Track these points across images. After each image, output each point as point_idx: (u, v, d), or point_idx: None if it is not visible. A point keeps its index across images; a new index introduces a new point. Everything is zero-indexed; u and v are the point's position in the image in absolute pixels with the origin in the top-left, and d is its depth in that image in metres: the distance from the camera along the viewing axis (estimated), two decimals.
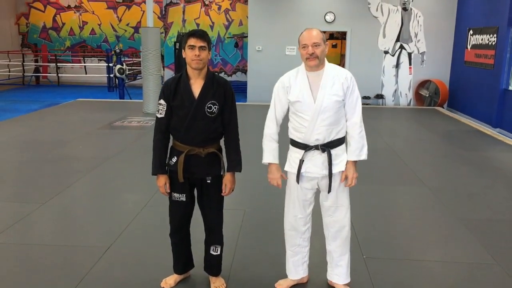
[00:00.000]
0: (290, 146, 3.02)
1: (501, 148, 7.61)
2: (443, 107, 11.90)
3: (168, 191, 2.98)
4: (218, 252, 3.12)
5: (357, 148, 2.92)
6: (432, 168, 6.36)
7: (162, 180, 2.95)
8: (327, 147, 2.89)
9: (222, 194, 2.99)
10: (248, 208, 4.66)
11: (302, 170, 2.94)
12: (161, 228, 3.78)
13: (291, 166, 3.01)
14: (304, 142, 2.91)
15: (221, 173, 3.00)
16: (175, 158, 2.90)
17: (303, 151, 2.92)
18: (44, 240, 3.96)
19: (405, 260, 3.67)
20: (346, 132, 2.97)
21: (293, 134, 2.97)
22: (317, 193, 3.07)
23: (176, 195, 2.97)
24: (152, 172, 2.97)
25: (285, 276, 3.26)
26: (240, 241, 3.93)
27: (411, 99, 12.37)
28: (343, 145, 2.97)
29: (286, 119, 3.06)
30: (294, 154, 2.98)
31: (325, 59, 2.91)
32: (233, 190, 3.01)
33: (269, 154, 3.00)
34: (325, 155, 2.90)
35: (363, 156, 2.95)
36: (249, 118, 9.30)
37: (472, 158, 6.85)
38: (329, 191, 2.96)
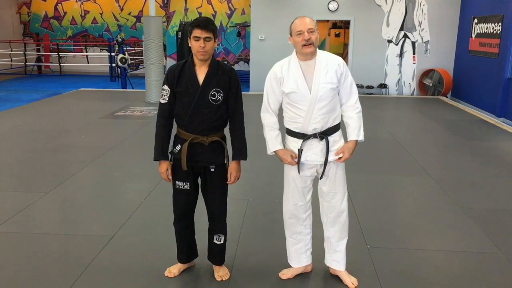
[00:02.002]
0: (287, 136, 3.00)
1: (505, 137, 7.57)
2: (446, 97, 11.83)
3: (170, 177, 2.97)
4: (222, 241, 3.11)
5: (356, 127, 2.93)
6: (435, 158, 6.34)
7: (164, 166, 2.94)
8: (324, 134, 2.89)
9: (227, 182, 2.98)
10: (251, 197, 4.66)
11: (302, 159, 2.94)
12: (165, 217, 3.79)
13: None
14: (302, 131, 2.90)
15: (225, 162, 2.98)
16: (179, 146, 2.89)
17: (301, 140, 2.91)
18: (48, 229, 3.96)
19: (409, 249, 3.67)
20: (342, 117, 2.98)
21: (290, 125, 2.95)
22: (315, 179, 3.07)
23: (179, 183, 2.96)
24: (154, 157, 2.96)
25: (289, 265, 3.26)
26: (244, 230, 3.92)
27: (414, 89, 12.30)
28: (339, 131, 2.99)
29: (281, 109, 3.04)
30: (292, 144, 2.97)
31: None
32: (238, 178, 3.00)
33: (272, 142, 2.98)
34: (323, 142, 2.90)
35: (361, 136, 2.95)
36: (251, 108, 9.27)
37: (476, 147, 6.82)
38: (321, 177, 2.97)
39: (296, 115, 2.89)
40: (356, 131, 2.93)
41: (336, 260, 3.17)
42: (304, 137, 2.90)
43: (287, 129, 2.98)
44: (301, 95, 2.83)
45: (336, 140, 2.94)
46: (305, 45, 2.76)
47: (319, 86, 2.81)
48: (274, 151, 2.99)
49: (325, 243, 3.20)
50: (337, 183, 3.00)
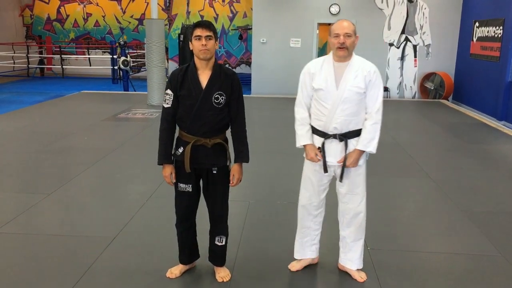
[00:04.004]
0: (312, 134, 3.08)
1: (506, 141, 7.58)
2: (448, 100, 11.85)
3: (174, 180, 2.99)
4: (223, 243, 3.13)
5: (366, 138, 2.95)
6: (436, 161, 6.35)
7: (168, 170, 2.96)
8: (345, 137, 2.95)
9: (230, 184, 3.02)
10: (252, 200, 4.67)
11: (319, 158, 3.00)
12: (167, 219, 3.80)
13: None
14: (323, 130, 2.98)
15: (227, 164, 3.01)
16: (182, 148, 2.91)
17: (323, 139, 2.99)
18: (50, 230, 3.98)
19: (409, 251, 3.68)
20: None
21: (314, 122, 3.04)
22: (333, 179, 3.14)
23: (182, 185, 2.99)
24: (158, 161, 2.98)
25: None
26: (245, 232, 3.94)
27: (416, 92, 12.32)
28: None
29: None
30: (314, 141, 3.04)
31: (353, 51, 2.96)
32: (240, 181, 3.03)
33: (303, 137, 3.05)
34: (342, 144, 2.97)
35: (371, 148, 2.96)
36: (253, 111, 9.30)
37: (477, 150, 6.83)
38: (340, 179, 3.03)
39: (320, 112, 2.97)
40: (365, 141, 2.95)
41: (350, 259, 3.24)
42: (325, 136, 2.98)
43: (312, 127, 3.06)
44: (328, 93, 2.91)
45: (355, 144, 2.98)
46: (339, 48, 2.86)
47: (346, 87, 2.89)
48: (303, 145, 3.06)
49: (340, 242, 3.27)
50: (355, 185, 3.07)
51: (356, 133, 2.98)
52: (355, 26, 2.91)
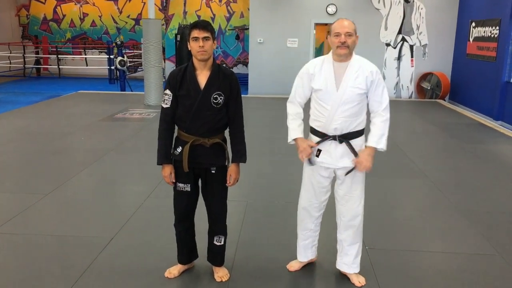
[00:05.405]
0: (310, 134, 3.05)
1: (502, 140, 7.61)
2: (444, 100, 11.89)
3: (174, 180, 2.99)
4: (222, 243, 3.13)
5: (377, 135, 2.92)
6: (433, 161, 6.37)
7: (168, 170, 2.96)
8: (344, 138, 2.91)
9: (227, 184, 3.01)
10: (250, 199, 4.67)
11: (319, 160, 2.98)
12: (165, 219, 3.80)
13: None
14: (323, 131, 2.94)
15: (226, 164, 3.01)
16: (180, 148, 2.91)
17: (321, 139, 2.95)
18: (48, 230, 3.97)
19: (407, 251, 3.69)
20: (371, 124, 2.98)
21: (313, 122, 3.01)
22: (334, 180, 3.12)
23: (180, 185, 2.99)
24: (157, 161, 2.98)
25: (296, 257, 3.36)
26: (243, 232, 3.94)
27: (412, 92, 12.35)
28: (362, 137, 2.99)
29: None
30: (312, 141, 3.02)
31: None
32: (237, 181, 3.03)
33: (294, 131, 3.01)
34: (342, 146, 2.93)
35: (381, 145, 2.92)
36: (250, 111, 9.30)
37: (474, 150, 6.85)
38: (346, 173, 2.97)
39: (320, 113, 2.94)
40: (375, 138, 2.92)
41: (346, 263, 3.20)
42: (324, 136, 2.94)
43: (310, 127, 3.04)
44: (328, 94, 2.88)
45: (357, 145, 2.95)
46: (339, 46, 2.82)
47: (347, 88, 2.85)
48: (294, 139, 3.02)
49: (338, 245, 3.25)
50: (353, 188, 3.03)
51: (358, 133, 2.95)
52: (355, 25, 2.88)
